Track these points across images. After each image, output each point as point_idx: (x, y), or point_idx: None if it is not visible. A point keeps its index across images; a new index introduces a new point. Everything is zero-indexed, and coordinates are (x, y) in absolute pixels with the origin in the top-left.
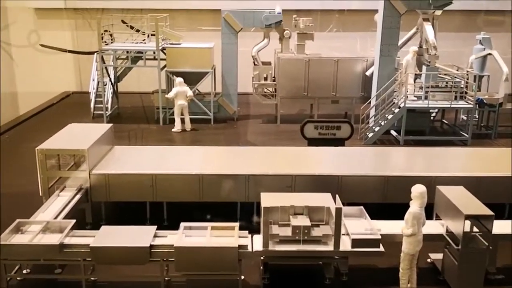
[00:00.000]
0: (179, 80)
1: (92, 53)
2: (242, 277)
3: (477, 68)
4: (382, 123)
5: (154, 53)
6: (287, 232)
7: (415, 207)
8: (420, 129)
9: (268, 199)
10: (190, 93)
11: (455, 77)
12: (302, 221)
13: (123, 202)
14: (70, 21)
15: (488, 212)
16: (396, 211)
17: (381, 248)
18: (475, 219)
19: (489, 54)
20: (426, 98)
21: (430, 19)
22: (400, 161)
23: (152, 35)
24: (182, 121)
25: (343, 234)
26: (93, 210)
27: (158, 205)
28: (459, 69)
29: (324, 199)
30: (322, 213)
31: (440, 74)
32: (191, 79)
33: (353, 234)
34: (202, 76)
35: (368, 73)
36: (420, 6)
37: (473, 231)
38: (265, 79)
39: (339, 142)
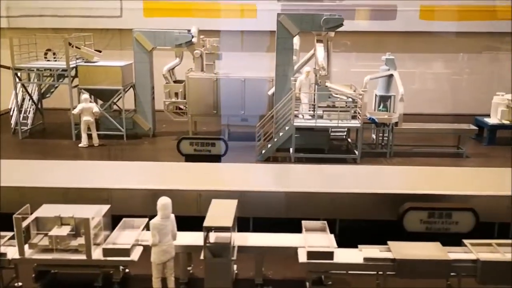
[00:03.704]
0: (84, 96)
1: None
2: (20, 283)
3: (382, 88)
4: (275, 140)
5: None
6: (45, 241)
7: (157, 218)
8: (319, 147)
9: (43, 210)
10: (96, 109)
11: (349, 97)
12: (60, 231)
13: None
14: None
15: (227, 224)
16: None
17: (132, 257)
18: (215, 230)
19: (391, 75)
20: (320, 117)
21: (324, 41)
22: (237, 176)
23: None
24: (90, 136)
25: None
26: None
27: None
28: (356, 89)
29: (91, 211)
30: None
31: (336, 94)
32: (105, 96)
33: (106, 244)
34: (115, 93)
35: (270, 92)
36: (311, 28)
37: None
38: (177, 96)
39: (215, 158)
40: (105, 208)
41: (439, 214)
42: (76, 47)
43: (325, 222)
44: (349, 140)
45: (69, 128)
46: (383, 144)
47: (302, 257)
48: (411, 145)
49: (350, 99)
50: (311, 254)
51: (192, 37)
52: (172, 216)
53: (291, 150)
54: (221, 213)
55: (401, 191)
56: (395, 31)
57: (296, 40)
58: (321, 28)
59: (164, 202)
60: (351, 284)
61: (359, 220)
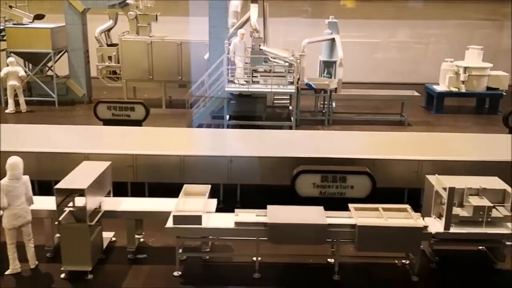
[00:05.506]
0: (10, 60)
1: None
2: None
3: (326, 54)
4: (207, 106)
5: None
6: None
7: (5, 179)
8: (256, 114)
9: None
10: (22, 73)
11: (286, 62)
12: None
13: None
14: None
15: (82, 187)
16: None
17: None
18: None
19: (333, 39)
20: (257, 83)
21: (260, 1)
22: (133, 140)
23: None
24: (18, 102)
25: None
26: None
27: None
28: (294, 54)
29: None
30: None
31: (273, 57)
32: (35, 60)
33: None
34: (45, 57)
35: (206, 57)
36: None
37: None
38: (110, 60)
39: (135, 123)
40: None
41: (333, 177)
42: (10, 6)
43: (209, 186)
44: (291, 107)
45: None
46: (323, 111)
47: (170, 222)
48: (351, 112)
49: (288, 64)
50: (177, 219)
51: None
52: (26, 177)
53: (227, 116)
54: (83, 175)
55: (296, 154)
56: None
57: (238, 2)
58: None
59: (12, 161)
60: (233, 251)
61: (267, 186)
